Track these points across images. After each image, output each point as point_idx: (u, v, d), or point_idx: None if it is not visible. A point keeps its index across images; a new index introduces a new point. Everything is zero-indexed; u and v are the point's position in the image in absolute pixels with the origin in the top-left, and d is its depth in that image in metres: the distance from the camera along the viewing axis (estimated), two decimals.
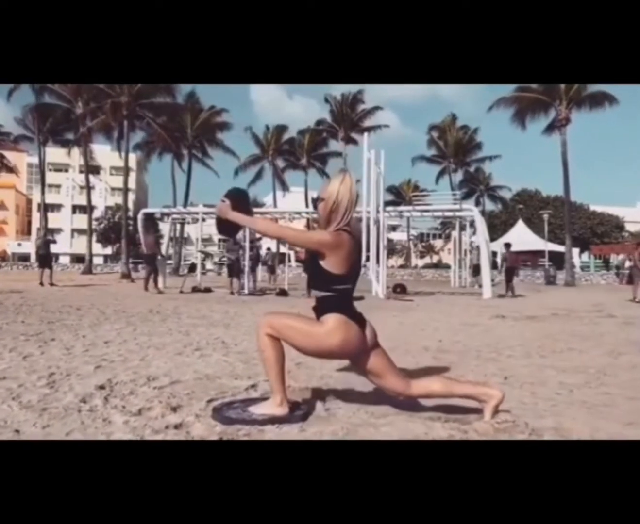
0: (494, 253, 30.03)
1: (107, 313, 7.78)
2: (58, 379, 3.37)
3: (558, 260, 35.60)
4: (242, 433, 2.38)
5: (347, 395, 3.14)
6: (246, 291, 14.54)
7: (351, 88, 44.94)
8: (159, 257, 15.34)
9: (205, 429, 2.43)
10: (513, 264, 16.39)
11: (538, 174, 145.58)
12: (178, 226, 32.90)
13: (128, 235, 31.05)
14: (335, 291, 2.50)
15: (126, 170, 29.72)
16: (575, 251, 39.43)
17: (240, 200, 2.72)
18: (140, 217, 18.01)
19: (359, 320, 2.55)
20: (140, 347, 4.74)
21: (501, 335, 6.29)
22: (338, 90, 57.39)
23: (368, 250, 13.48)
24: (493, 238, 39.44)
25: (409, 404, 2.80)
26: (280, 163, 47.59)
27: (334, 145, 46.90)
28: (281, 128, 46.81)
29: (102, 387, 3.17)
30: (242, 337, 5.56)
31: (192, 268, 17.44)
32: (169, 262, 37.63)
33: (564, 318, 8.56)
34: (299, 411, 2.65)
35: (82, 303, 9.58)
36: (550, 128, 29.43)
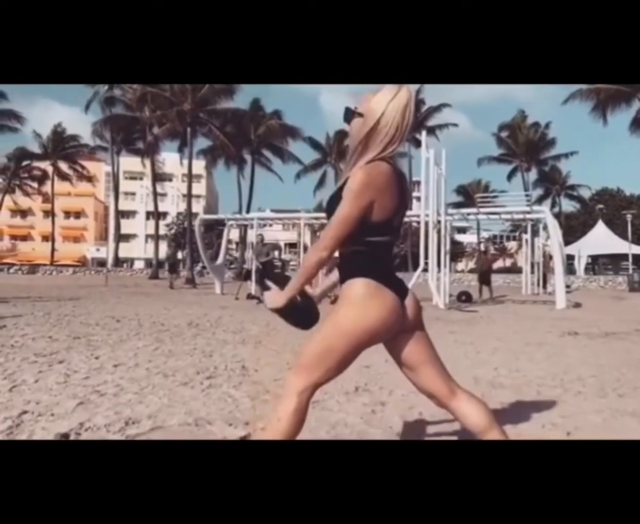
0: (570, 257, 28.11)
1: (144, 326, 7.46)
2: (26, 420, 2.92)
3: None
4: None
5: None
6: None
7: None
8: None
9: None
10: (487, 267, 17.17)
11: (620, 172, 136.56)
12: (235, 231, 33.02)
13: (193, 240, 31.49)
14: (367, 245, 1.77)
15: (190, 177, 30.15)
16: None
17: (268, 271, 2.14)
18: (197, 223, 17.97)
19: (398, 287, 1.81)
20: (148, 373, 4.27)
21: (571, 360, 5.37)
22: None
23: (427, 256, 12.65)
24: (570, 241, 37.13)
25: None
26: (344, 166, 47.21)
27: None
28: (343, 134, 46.33)
29: (65, 436, 2.68)
30: (268, 359, 5.00)
31: (247, 275, 16.68)
32: (232, 266, 38.08)
33: None
34: None
35: (126, 313, 9.39)
36: (635, 124, 27.18)
